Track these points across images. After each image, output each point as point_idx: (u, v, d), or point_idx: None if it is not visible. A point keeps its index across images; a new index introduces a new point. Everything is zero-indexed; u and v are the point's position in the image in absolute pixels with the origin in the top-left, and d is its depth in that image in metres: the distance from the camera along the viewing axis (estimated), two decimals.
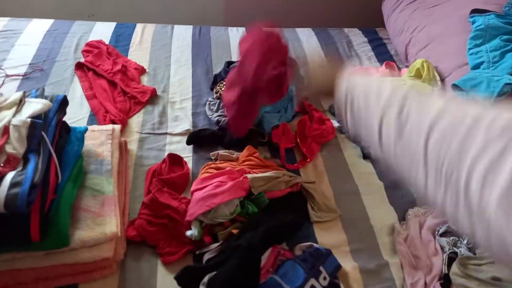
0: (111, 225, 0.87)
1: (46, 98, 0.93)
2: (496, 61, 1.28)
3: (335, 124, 1.40)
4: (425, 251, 1.02)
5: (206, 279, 0.82)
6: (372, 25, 2.05)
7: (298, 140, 1.30)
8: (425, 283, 0.94)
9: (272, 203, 1.06)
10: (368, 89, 0.58)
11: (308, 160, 1.26)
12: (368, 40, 1.92)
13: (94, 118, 1.28)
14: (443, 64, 1.45)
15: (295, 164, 1.24)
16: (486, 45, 1.34)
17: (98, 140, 1.06)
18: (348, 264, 0.98)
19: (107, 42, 1.64)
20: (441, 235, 1.05)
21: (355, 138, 0.85)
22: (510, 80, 1.18)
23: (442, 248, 1.02)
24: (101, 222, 0.87)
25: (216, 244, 0.93)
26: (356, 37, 1.94)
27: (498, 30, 1.36)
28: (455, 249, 1.01)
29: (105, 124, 1.22)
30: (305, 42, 1.87)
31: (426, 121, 0.43)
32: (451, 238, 1.04)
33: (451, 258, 0.99)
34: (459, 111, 0.42)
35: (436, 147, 0.41)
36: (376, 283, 0.95)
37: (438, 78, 1.41)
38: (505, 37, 1.33)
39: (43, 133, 0.84)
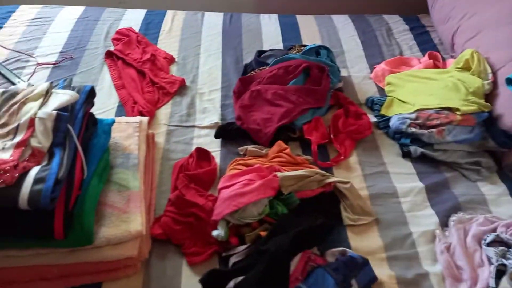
0: (136, 223, 0.84)
1: (73, 89, 0.91)
2: None
3: (373, 119, 1.31)
4: (470, 261, 0.93)
5: (231, 284, 0.78)
6: (415, 12, 1.91)
7: (332, 136, 1.23)
8: None
9: (303, 204, 1.01)
10: None
11: (342, 157, 1.18)
12: (410, 28, 1.79)
13: (122, 109, 1.26)
14: (495, 55, 1.32)
15: (328, 162, 1.17)
16: None
17: (125, 133, 1.04)
18: (383, 272, 0.91)
19: (137, 29, 1.61)
20: (489, 244, 0.96)
21: None
22: None
23: (489, 259, 0.93)
24: (126, 219, 0.85)
25: (243, 247, 0.89)
26: (397, 24, 1.82)
27: None
28: (504, 261, 0.91)
29: (133, 115, 1.19)
30: (341, 30, 1.77)
31: None
32: (500, 248, 0.95)
33: (500, 271, 0.90)
34: None
35: None
36: None
37: (489, 70, 1.28)
38: None
39: (69, 126, 0.82)
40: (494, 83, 1.26)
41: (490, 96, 1.26)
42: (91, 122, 0.95)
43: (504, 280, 0.85)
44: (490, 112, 1.21)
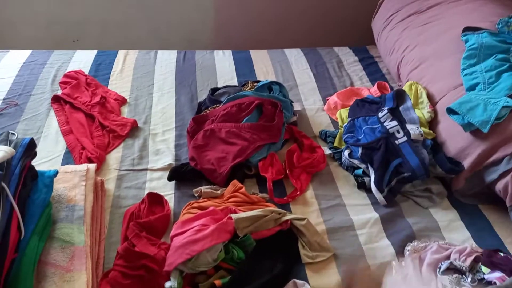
0: (81, 282, 0.79)
1: (10, 143, 0.86)
2: (492, 82, 1.23)
3: (327, 151, 1.34)
4: None
5: None
6: (363, 43, 2.00)
7: (287, 171, 1.23)
8: None
9: (260, 244, 0.99)
10: None
11: (299, 193, 1.19)
12: (359, 59, 1.87)
13: (69, 156, 1.21)
14: (437, 85, 1.39)
15: (285, 198, 1.16)
16: (480, 65, 1.29)
17: (71, 183, 0.99)
18: None
19: (87, 71, 1.58)
20: (443, 272, 0.97)
21: None
22: (507, 102, 1.12)
23: (444, 286, 0.94)
24: (70, 279, 0.79)
25: None
26: (347, 56, 1.90)
27: (492, 49, 1.30)
28: None
29: (81, 162, 1.15)
30: (294, 63, 1.82)
31: None
32: (454, 276, 0.97)
33: None
34: None
35: None
36: None
37: (426, 101, 1.35)
38: (500, 56, 1.28)
39: (4, 185, 0.77)
40: (435, 112, 1.32)
41: (433, 124, 1.32)
42: (30, 177, 0.90)
43: None
44: (434, 140, 1.27)
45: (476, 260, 1.00)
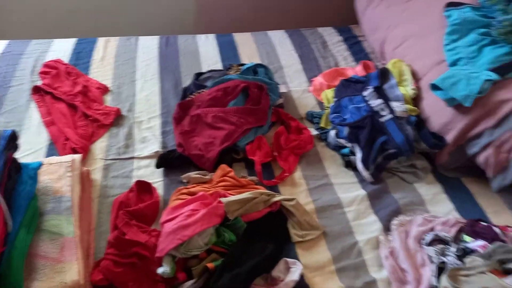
0: (72, 272, 0.79)
1: None
2: (474, 56, 1.24)
3: (314, 132, 1.34)
4: (412, 263, 0.97)
5: None
6: (347, 23, 1.99)
7: (275, 154, 1.24)
8: None
9: (250, 226, 1.00)
10: None
11: (287, 174, 1.20)
12: (343, 39, 1.87)
13: (53, 148, 1.19)
14: (420, 62, 1.40)
15: (273, 180, 1.17)
16: (463, 40, 1.30)
17: (56, 174, 0.98)
18: (334, 285, 0.93)
19: (66, 60, 1.54)
20: (428, 244, 1.00)
21: None
22: (489, 76, 1.14)
23: (430, 258, 0.97)
24: (61, 270, 0.79)
25: (191, 282, 0.86)
26: (331, 36, 1.89)
27: (474, 24, 1.31)
28: (444, 258, 0.96)
29: (66, 153, 1.13)
30: (278, 45, 1.81)
31: None
32: (439, 246, 0.99)
33: (441, 268, 0.94)
34: None
35: None
36: None
37: (410, 79, 1.36)
38: (482, 30, 1.29)
39: None
40: (419, 89, 1.34)
41: (417, 101, 1.33)
42: (14, 169, 0.88)
43: (444, 279, 0.88)
44: (418, 116, 1.29)
45: (459, 231, 1.04)
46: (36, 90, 1.37)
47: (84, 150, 1.16)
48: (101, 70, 1.54)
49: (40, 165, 0.94)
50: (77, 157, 1.05)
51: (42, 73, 1.44)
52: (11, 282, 0.72)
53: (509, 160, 1.09)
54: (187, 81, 1.52)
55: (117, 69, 1.55)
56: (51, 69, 1.44)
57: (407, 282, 0.94)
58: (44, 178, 0.95)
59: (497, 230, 1.02)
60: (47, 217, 0.88)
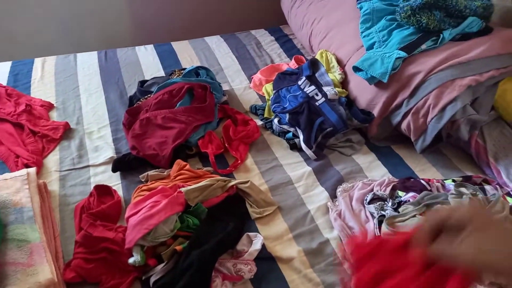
0: (45, 272, 0.82)
1: None
2: (386, 39, 1.43)
3: (259, 122, 1.46)
4: (357, 220, 1.10)
5: None
6: (277, 24, 2.15)
7: (226, 145, 1.33)
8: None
9: (211, 211, 1.08)
10: None
11: (239, 162, 1.29)
12: (275, 38, 2.02)
13: (4, 167, 1.18)
14: (343, 49, 1.58)
15: (228, 169, 1.26)
16: (375, 27, 1.49)
17: (13, 188, 0.99)
18: (293, 250, 1.03)
19: (4, 83, 1.52)
20: (369, 202, 1.14)
21: None
22: (399, 54, 1.33)
23: (371, 214, 1.11)
24: (33, 272, 0.81)
25: (161, 265, 0.92)
26: (264, 37, 2.03)
27: (383, 12, 1.51)
28: (383, 212, 1.10)
29: (18, 169, 1.13)
30: (216, 49, 1.91)
31: None
32: (378, 203, 1.14)
33: (380, 221, 1.08)
34: None
35: None
36: (321, 260, 1.00)
37: (336, 65, 1.53)
38: (389, 17, 1.48)
39: None
40: (345, 73, 1.51)
41: (344, 84, 1.50)
42: None
43: (383, 226, 1.02)
44: (347, 97, 1.45)
45: (393, 188, 1.19)
46: None
47: (37, 165, 1.17)
48: (42, 88, 1.54)
49: None
50: (32, 170, 1.06)
51: None
52: None
53: (426, 124, 1.27)
54: (131, 90, 1.57)
55: (59, 86, 1.56)
56: None
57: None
58: (2, 193, 0.96)
59: (423, 182, 1.19)
60: (11, 227, 0.89)
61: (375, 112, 1.37)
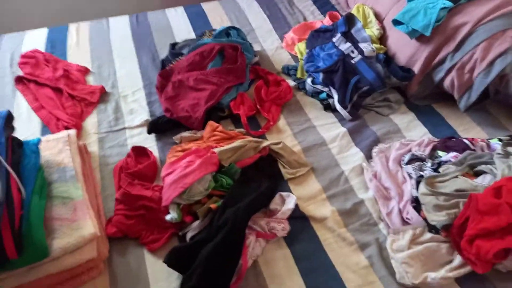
0: (88, 227, 0.86)
1: None
2: None
3: (291, 83, 1.42)
4: (394, 181, 1.07)
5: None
6: None
7: (258, 106, 1.31)
8: (400, 210, 0.99)
9: (244, 171, 1.08)
10: None
11: (271, 123, 1.27)
12: None
13: (46, 129, 1.24)
14: (381, 2, 1.48)
15: (260, 130, 1.25)
16: None
17: (56, 149, 1.03)
18: (327, 209, 1.02)
19: (42, 49, 1.56)
20: (407, 163, 1.10)
21: None
22: (444, 4, 1.22)
23: (409, 175, 1.07)
24: (77, 227, 0.86)
25: (197, 222, 0.94)
26: None
27: None
28: (421, 173, 1.06)
29: (59, 132, 1.18)
30: (246, 9, 1.85)
31: None
32: (416, 163, 1.10)
33: (419, 182, 1.04)
34: None
35: None
36: (355, 220, 0.99)
37: (374, 20, 1.44)
38: None
39: None
40: (383, 28, 1.42)
41: (383, 40, 1.42)
42: (17, 145, 0.93)
43: (422, 186, 0.99)
44: (386, 53, 1.37)
45: (433, 148, 1.14)
46: (19, 80, 1.39)
47: (77, 127, 1.21)
48: (78, 54, 1.57)
49: (39, 140, 0.99)
50: (72, 132, 1.10)
51: (21, 64, 1.46)
52: (34, 241, 0.78)
53: (472, 80, 1.19)
54: (163, 54, 1.57)
55: (93, 51, 1.58)
56: (29, 59, 1.47)
57: (391, 197, 1.04)
58: (45, 154, 1.01)
59: (466, 141, 1.13)
60: (55, 185, 0.94)
61: (416, 68, 1.29)
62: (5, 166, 0.81)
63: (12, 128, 0.97)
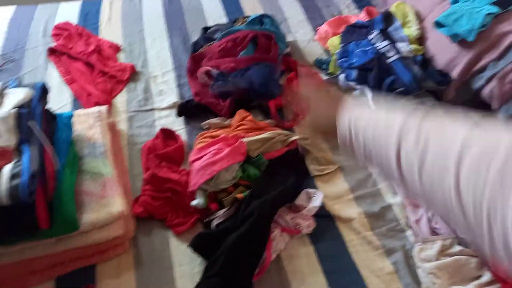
0: (116, 204, 0.86)
1: (3, 96, 0.89)
2: None
3: (323, 77, 1.39)
4: None
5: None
6: None
7: (288, 98, 1.29)
8: (428, 219, 0.97)
9: (271, 163, 1.07)
10: (376, 119, 0.52)
11: (301, 116, 1.25)
12: None
13: (77, 103, 1.24)
14: (423, 2, 1.43)
15: (289, 123, 1.23)
16: None
17: (87, 124, 1.04)
18: (353, 210, 1.01)
19: (75, 22, 1.56)
20: None
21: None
22: (490, 10, 1.18)
23: None
24: (106, 203, 0.87)
25: (223, 210, 0.94)
26: None
27: None
28: None
29: (90, 107, 1.18)
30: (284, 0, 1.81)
31: (452, 153, 0.39)
32: None
33: None
34: (489, 140, 0.37)
35: (470, 180, 0.37)
36: (382, 225, 0.98)
37: (413, 20, 1.40)
38: None
39: (32, 122, 0.81)
40: (423, 28, 1.37)
41: (421, 41, 1.37)
42: (50, 117, 0.94)
43: None
44: (423, 55, 1.33)
45: None
46: (52, 51, 1.40)
47: (107, 104, 1.21)
48: (109, 30, 1.56)
49: (72, 114, 0.99)
50: (103, 108, 1.10)
51: (54, 35, 1.46)
52: (65, 214, 0.79)
53: None
54: (194, 36, 1.55)
55: (125, 29, 1.58)
56: (63, 31, 1.47)
57: (420, 205, 1.02)
58: (77, 128, 1.01)
59: None
60: (85, 160, 0.95)
61: (455, 74, 1.25)
62: (40, 138, 0.81)
63: (46, 101, 0.97)
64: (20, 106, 0.82)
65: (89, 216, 0.83)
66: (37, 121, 0.84)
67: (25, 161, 0.72)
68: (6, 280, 0.78)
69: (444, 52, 1.29)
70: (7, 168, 0.70)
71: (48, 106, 0.98)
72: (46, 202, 0.75)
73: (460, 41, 1.23)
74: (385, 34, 1.37)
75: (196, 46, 1.48)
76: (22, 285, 0.79)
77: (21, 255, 0.78)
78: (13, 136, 0.76)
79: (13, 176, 0.68)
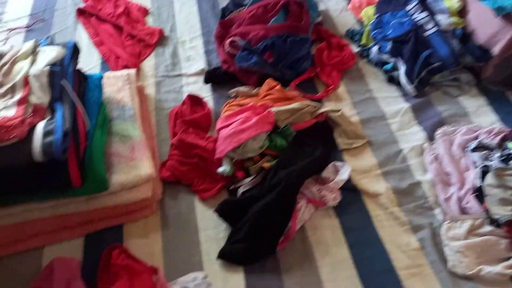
0: (145, 167, 0.87)
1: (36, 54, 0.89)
2: None
3: (355, 49, 1.34)
4: (456, 167, 1.01)
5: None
6: None
7: (318, 69, 1.25)
8: (459, 198, 0.94)
9: (299, 135, 1.05)
10: None
11: (331, 88, 1.22)
12: None
13: (105, 65, 1.24)
14: None
15: (319, 94, 1.20)
16: None
17: (116, 86, 1.04)
18: (381, 185, 0.99)
19: None
20: (473, 150, 1.04)
21: None
22: None
23: (474, 163, 1.01)
24: (135, 166, 0.87)
25: (249, 178, 0.94)
26: None
27: None
28: (487, 163, 1.00)
29: (118, 69, 1.18)
30: None
31: None
32: (483, 152, 1.03)
33: (484, 172, 0.98)
34: None
35: None
36: (410, 201, 0.96)
37: None
38: None
39: (64, 81, 0.81)
40: (465, 1, 1.29)
41: (462, 13, 1.30)
42: (82, 77, 0.94)
43: (489, 177, 0.93)
44: (464, 29, 1.26)
45: (504, 139, 1.06)
46: (81, 12, 1.39)
47: (135, 67, 1.21)
48: None
49: (102, 76, 0.99)
50: (132, 71, 1.10)
51: None
52: (95, 174, 0.80)
53: None
54: (223, 2, 1.51)
55: None
56: None
57: (451, 183, 0.99)
58: (106, 90, 1.01)
59: None
60: (114, 122, 0.95)
61: (496, 49, 1.18)
62: (72, 97, 0.81)
63: (77, 60, 0.97)
64: (53, 64, 0.82)
65: (119, 177, 0.84)
66: (69, 80, 0.84)
67: (58, 119, 0.72)
68: (42, 233, 0.82)
69: (486, 26, 1.21)
70: (41, 125, 0.70)
71: (78, 67, 0.98)
72: (78, 160, 0.76)
73: (505, 15, 1.15)
74: (424, 5, 1.30)
75: (225, 11, 1.44)
76: (55, 238, 0.82)
77: (54, 210, 0.80)
78: (46, 94, 0.76)
79: (47, 133, 0.69)
